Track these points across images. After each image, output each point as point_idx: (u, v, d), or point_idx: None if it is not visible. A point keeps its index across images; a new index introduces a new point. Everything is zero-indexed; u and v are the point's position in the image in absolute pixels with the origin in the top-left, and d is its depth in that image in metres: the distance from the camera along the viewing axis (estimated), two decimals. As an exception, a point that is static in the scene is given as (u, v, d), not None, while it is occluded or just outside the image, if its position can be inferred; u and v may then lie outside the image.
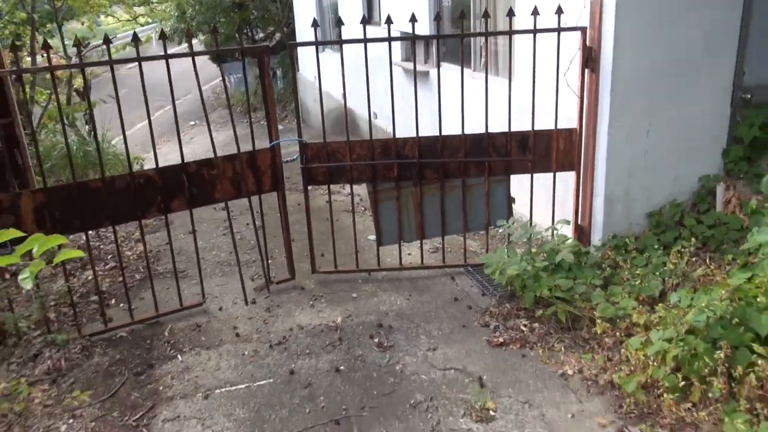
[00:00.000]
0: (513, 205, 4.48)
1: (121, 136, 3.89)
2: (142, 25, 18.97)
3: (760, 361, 2.61)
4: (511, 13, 4.04)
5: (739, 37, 4.13)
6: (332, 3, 9.91)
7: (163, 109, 12.45)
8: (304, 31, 11.63)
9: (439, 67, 4.32)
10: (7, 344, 3.58)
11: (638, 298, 3.48)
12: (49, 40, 4.01)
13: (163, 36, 3.77)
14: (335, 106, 8.73)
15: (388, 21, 3.99)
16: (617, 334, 3.27)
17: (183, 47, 13.98)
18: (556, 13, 3.92)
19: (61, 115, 4.00)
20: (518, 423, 2.84)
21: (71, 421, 3.07)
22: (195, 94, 10.55)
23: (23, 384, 3.17)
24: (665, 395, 2.71)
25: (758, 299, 2.82)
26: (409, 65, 6.12)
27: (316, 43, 4.06)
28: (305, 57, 11.22)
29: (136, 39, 3.63)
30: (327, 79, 4.77)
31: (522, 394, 3.06)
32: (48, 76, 5.81)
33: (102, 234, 5.65)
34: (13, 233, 1.61)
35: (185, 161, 3.90)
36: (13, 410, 3.04)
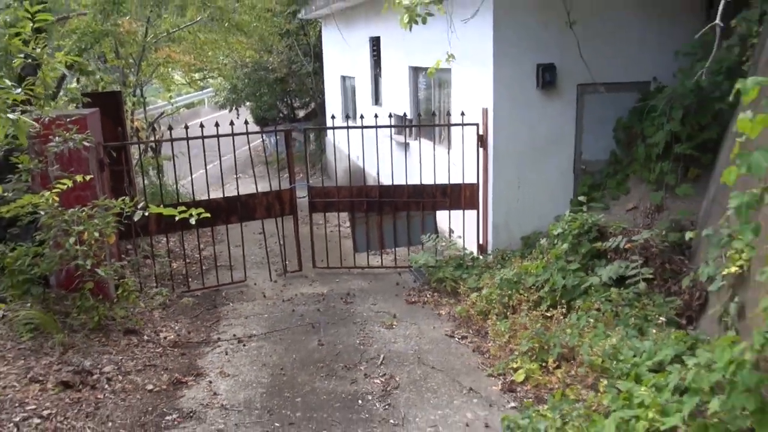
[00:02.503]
0: (439, 229, 7.50)
1: (187, 179, 7.09)
2: (196, 90, 23.10)
3: (526, 296, 5.50)
4: (448, 114, 7.20)
5: (575, 133, 7.16)
6: (351, 85, 13.37)
7: (213, 164, 15.96)
8: (332, 102, 15.14)
9: (416, 140, 7.48)
10: (129, 299, 6.64)
11: (491, 278, 6.39)
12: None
13: (217, 125, 7.02)
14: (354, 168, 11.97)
15: (377, 116, 7.20)
16: (471, 296, 6.19)
17: (233, 113, 17.66)
18: (461, 114, 7.05)
19: (148, 166, 7.25)
20: (405, 329, 5.76)
21: (175, 324, 6.12)
22: (241, 152, 14.05)
23: (148, 305, 6.25)
24: (475, 314, 5.62)
25: (533, 271, 5.73)
26: (399, 138, 9.31)
27: (326, 128, 7.28)
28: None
29: (202, 127, 6.88)
30: (344, 144, 7.90)
31: (413, 320, 5.98)
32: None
33: (189, 239, 8.84)
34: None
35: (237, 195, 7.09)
36: (144, 317, 6.10)
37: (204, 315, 6.40)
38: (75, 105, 7.49)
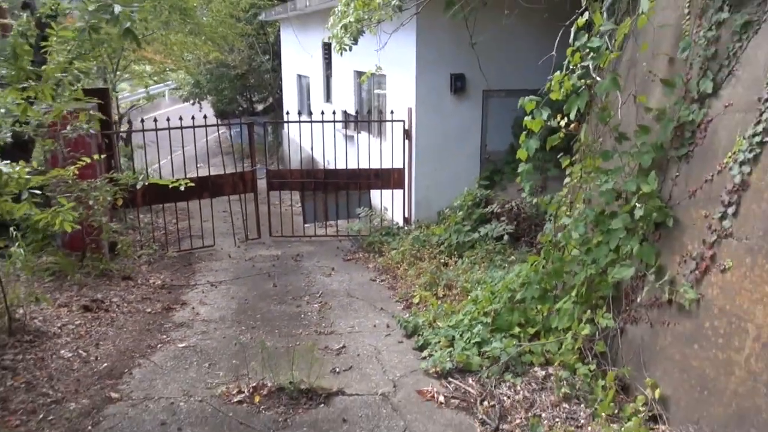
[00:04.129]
0: (373, 205, 9.57)
1: (156, 166, 8.98)
2: (157, 83, 24.68)
3: (430, 250, 7.60)
4: (381, 111, 9.27)
5: (481, 127, 9.32)
6: (307, 84, 15.35)
7: (176, 153, 17.76)
8: (289, 97, 17.08)
9: (358, 133, 9.52)
10: (126, 252, 8.55)
11: (409, 242, 8.47)
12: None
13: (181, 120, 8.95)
14: (305, 156, 13.96)
15: (323, 114, 9.23)
16: (392, 252, 8.25)
17: (196, 107, 19.40)
18: (391, 113, 9.13)
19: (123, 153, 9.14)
20: (340, 276, 7.80)
21: (160, 275, 8.02)
22: (202, 143, 15.91)
23: (136, 263, 8.14)
24: (393, 264, 7.71)
25: (437, 233, 7.84)
26: (344, 131, 11.34)
27: (283, 122, 9.27)
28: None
29: (168, 120, 8.80)
30: (299, 136, 9.93)
31: (347, 271, 8.03)
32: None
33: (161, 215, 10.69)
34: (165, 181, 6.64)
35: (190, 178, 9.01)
36: (133, 270, 7.97)
37: (182, 269, 8.33)
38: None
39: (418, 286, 6.85)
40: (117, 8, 4.00)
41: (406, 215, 9.44)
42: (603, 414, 3.99)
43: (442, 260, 7.47)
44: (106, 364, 5.20)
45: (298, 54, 15.43)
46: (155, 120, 8.80)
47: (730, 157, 3.84)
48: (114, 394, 4.60)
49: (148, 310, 6.68)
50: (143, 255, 8.49)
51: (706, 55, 4.25)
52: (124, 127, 13.13)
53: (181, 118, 8.73)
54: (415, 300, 6.59)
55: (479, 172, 9.44)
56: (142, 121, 8.71)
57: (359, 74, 11.39)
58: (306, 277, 7.81)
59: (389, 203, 9.62)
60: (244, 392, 4.55)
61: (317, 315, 6.45)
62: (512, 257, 6.88)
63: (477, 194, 8.10)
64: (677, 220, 4.26)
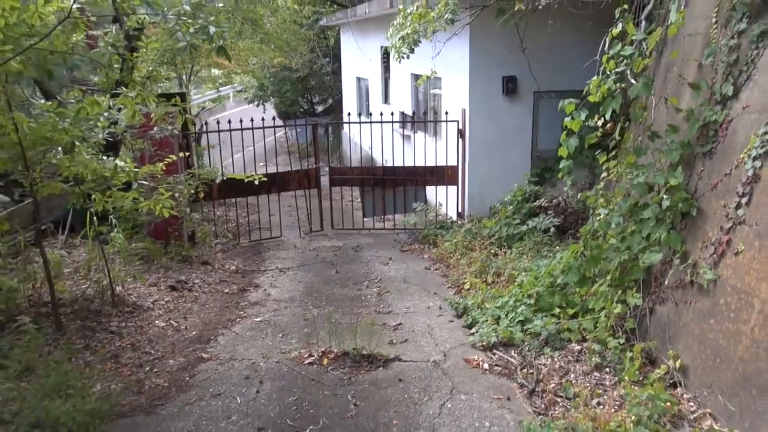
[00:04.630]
0: (428, 200, 10.26)
1: (225, 163, 9.88)
2: (223, 86, 26.07)
3: (481, 242, 8.24)
4: (437, 112, 9.97)
5: (532, 126, 9.87)
6: (366, 86, 16.16)
7: (238, 155, 18.94)
8: (348, 98, 17.95)
9: (414, 133, 10.25)
10: (204, 240, 9.51)
11: (462, 234, 9.11)
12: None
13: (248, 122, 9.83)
14: (363, 155, 14.79)
15: (380, 117, 9.99)
16: (445, 244, 8.92)
17: (259, 108, 20.57)
18: (446, 113, 9.80)
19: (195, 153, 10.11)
20: (397, 265, 8.52)
21: (234, 261, 8.93)
22: (263, 143, 16.93)
23: (212, 250, 9.08)
24: (446, 254, 8.38)
25: (488, 225, 8.47)
26: (402, 131, 12.08)
27: (344, 123, 10.08)
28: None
29: (237, 122, 9.69)
30: (358, 136, 10.73)
31: (403, 261, 8.74)
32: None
33: (232, 209, 11.70)
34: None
35: (264, 174, 9.89)
36: (210, 257, 8.90)
37: (253, 257, 9.23)
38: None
39: (469, 274, 7.49)
40: (212, 29, 4.84)
41: (460, 210, 10.08)
42: (627, 379, 4.57)
43: (492, 251, 8.09)
44: (194, 332, 6.09)
45: (358, 58, 16.27)
46: (217, 122, 9.74)
47: (745, 152, 4.36)
48: (204, 355, 5.46)
49: (226, 290, 7.57)
50: (218, 244, 9.45)
51: (729, 61, 4.77)
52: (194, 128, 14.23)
53: (241, 121, 9.61)
54: (466, 286, 7.24)
55: (530, 169, 9.99)
56: (218, 122, 9.66)
57: (416, 77, 12.10)
58: (365, 266, 8.57)
59: (444, 198, 10.29)
60: (314, 356, 5.32)
61: (376, 297, 7.19)
62: (558, 248, 7.44)
63: (527, 190, 8.69)
64: (700, 210, 4.78)
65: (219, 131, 9.53)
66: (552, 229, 7.72)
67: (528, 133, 9.92)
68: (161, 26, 11.06)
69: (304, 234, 10.32)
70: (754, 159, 4.25)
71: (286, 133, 20.59)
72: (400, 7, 7.44)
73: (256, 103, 20.68)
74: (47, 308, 5.97)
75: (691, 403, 4.31)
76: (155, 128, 8.24)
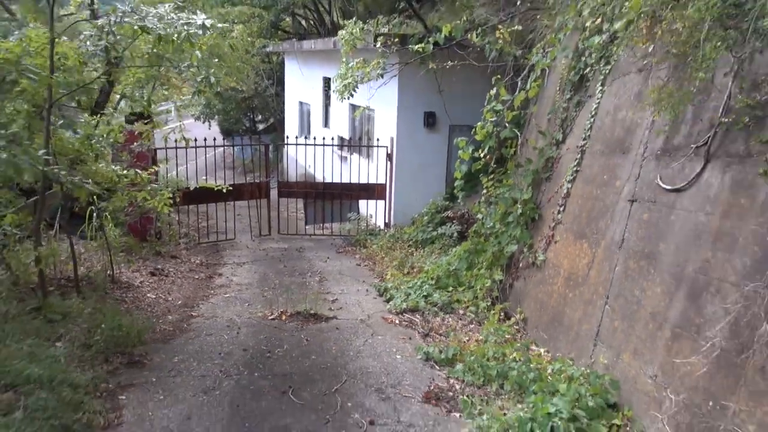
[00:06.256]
0: (362, 211, 12.73)
1: (172, 173, 12.09)
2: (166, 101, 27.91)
3: (401, 244, 10.74)
4: (370, 137, 12.50)
5: (447, 153, 12.52)
6: (307, 110, 18.59)
7: (185, 165, 20.97)
8: (290, 120, 20.33)
9: (351, 154, 12.71)
10: (171, 239, 11.60)
11: (387, 239, 11.59)
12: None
13: (190, 141, 12.10)
14: (301, 171, 17.15)
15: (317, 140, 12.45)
16: (373, 246, 11.38)
17: (202, 124, 22.65)
18: (377, 140, 12.33)
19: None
20: (333, 263, 10.91)
21: (197, 257, 11.09)
22: (209, 158, 19.04)
23: (178, 248, 11.21)
24: (374, 254, 10.84)
25: (408, 232, 10.99)
26: (340, 153, 14.53)
27: (293, 144, 12.47)
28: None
29: (195, 140, 11.94)
30: (299, 156, 13.10)
31: (338, 260, 11.14)
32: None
33: (190, 214, 13.80)
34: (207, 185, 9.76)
35: (229, 184, 12.15)
36: (177, 253, 11.03)
37: (213, 254, 11.41)
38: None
39: (390, 268, 9.96)
40: (212, 79, 7.17)
41: (386, 220, 12.58)
42: (488, 326, 7.11)
43: (410, 251, 10.60)
44: (180, 302, 8.29)
45: (301, 83, 18.70)
46: (165, 139, 11.91)
47: (564, 178, 7.02)
48: (193, 314, 7.69)
49: (196, 276, 9.77)
50: (183, 242, 11.60)
51: (562, 117, 7.46)
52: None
53: (195, 139, 11.85)
54: (388, 276, 9.70)
55: (444, 189, 12.62)
56: (165, 139, 11.86)
57: (354, 108, 14.65)
58: (308, 262, 10.92)
59: (373, 210, 12.78)
60: (274, 315, 7.64)
61: (318, 284, 9.55)
62: (458, 247, 10.02)
63: (439, 204, 11.30)
64: (541, 216, 7.43)
65: (187, 147, 11.69)
66: (455, 234, 10.32)
67: (444, 158, 12.56)
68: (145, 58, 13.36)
69: (254, 237, 12.58)
70: (568, 182, 6.91)
71: (232, 148, 22.70)
72: (343, 60, 9.94)
73: (202, 119, 22.73)
74: (63, 282, 8.03)
75: (525, 337, 6.89)
76: (135, 143, 10.39)
